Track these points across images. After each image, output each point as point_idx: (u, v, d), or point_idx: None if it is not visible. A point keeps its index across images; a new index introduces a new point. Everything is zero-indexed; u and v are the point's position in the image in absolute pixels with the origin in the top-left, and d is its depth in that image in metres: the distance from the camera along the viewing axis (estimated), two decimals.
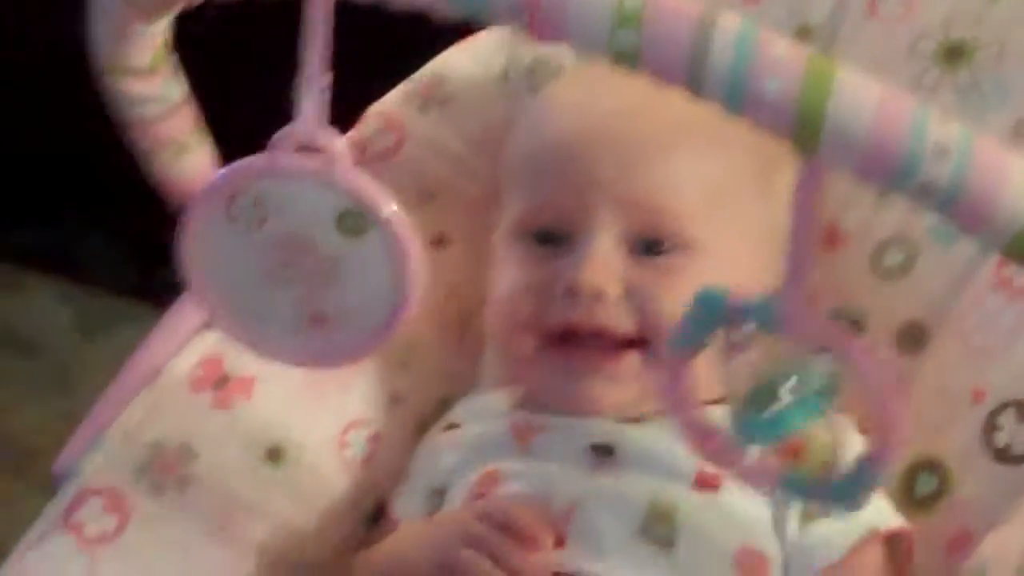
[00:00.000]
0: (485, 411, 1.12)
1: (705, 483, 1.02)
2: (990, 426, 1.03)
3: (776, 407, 0.79)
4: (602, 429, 1.05)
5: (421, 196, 1.18)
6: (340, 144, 0.88)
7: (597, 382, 1.05)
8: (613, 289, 1.04)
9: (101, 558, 1.03)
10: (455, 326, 1.19)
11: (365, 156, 1.19)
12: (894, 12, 1.16)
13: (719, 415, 0.83)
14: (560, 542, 1.00)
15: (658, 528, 1.00)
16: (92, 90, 0.98)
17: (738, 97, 0.69)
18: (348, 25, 0.85)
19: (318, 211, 0.90)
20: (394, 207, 0.89)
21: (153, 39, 0.94)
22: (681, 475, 1.02)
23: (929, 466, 1.05)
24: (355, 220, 0.90)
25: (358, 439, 1.13)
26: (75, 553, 1.03)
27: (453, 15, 0.75)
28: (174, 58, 0.97)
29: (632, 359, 1.05)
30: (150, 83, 0.97)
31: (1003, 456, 1.02)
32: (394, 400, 1.16)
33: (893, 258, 1.13)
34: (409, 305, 0.92)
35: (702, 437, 0.84)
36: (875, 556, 1.02)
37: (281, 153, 0.88)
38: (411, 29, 1.00)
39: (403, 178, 1.16)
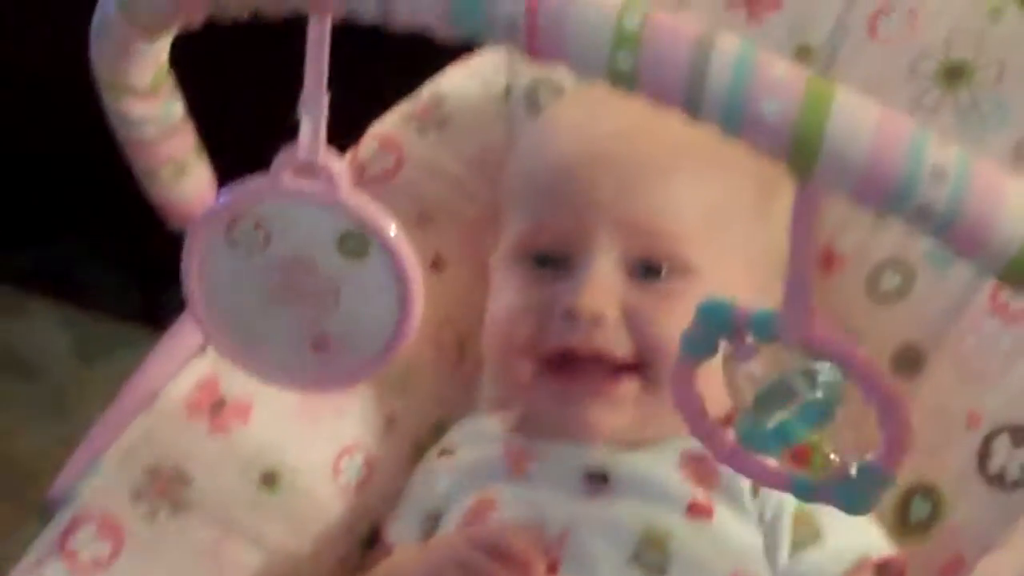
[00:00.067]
0: (480, 436, 1.11)
1: (698, 511, 1.01)
2: (985, 451, 1.03)
3: (780, 417, 0.79)
4: (597, 456, 1.05)
5: (419, 218, 1.18)
6: (340, 166, 0.88)
7: (594, 407, 1.05)
8: (612, 313, 1.03)
9: None
10: (451, 350, 1.19)
11: (363, 178, 1.18)
12: (894, 33, 1.16)
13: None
14: (553, 568, 1.00)
15: (651, 555, 1.00)
16: (94, 112, 0.98)
17: (736, 119, 0.69)
18: (348, 46, 0.85)
19: (319, 233, 0.90)
20: (395, 228, 0.89)
21: (155, 58, 0.94)
22: (675, 502, 1.02)
23: (923, 491, 1.05)
24: (356, 242, 0.90)
25: (353, 463, 1.12)
26: None
27: (452, 36, 0.75)
28: (173, 78, 0.97)
29: (630, 384, 1.05)
30: (150, 103, 0.97)
31: (997, 482, 1.01)
32: (389, 424, 1.15)
33: (889, 281, 1.12)
34: (411, 326, 0.92)
35: (712, 440, 0.84)
36: None
37: (282, 175, 0.88)
38: (410, 49, 1.00)
39: (401, 200, 1.16)
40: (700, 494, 1.01)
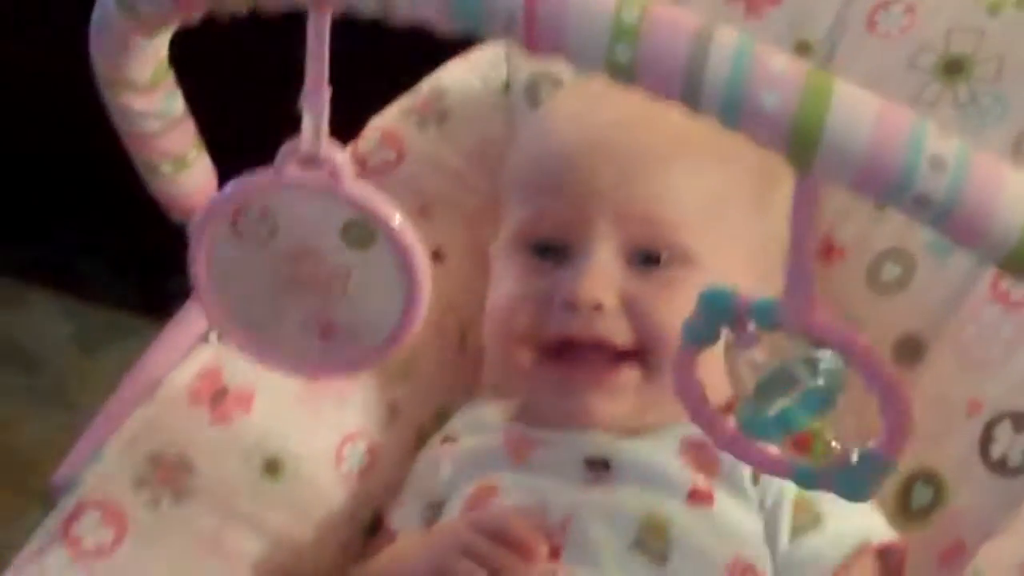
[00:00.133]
0: (482, 424, 1.12)
1: (699, 497, 1.02)
2: (986, 437, 1.03)
3: (782, 404, 0.80)
4: (598, 443, 1.05)
5: (420, 212, 1.18)
6: (343, 156, 0.89)
7: (594, 396, 1.06)
8: (611, 301, 1.04)
9: (98, 571, 1.03)
10: (453, 340, 1.19)
11: (364, 171, 1.19)
12: (893, 27, 1.17)
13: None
14: (555, 553, 1.00)
15: (652, 541, 1.01)
16: (93, 105, 0.98)
17: (735, 111, 0.69)
18: (348, 40, 0.86)
19: (324, 223, 0.90)
20: (400, 217, 0.90)
21: (154, 54, 0.94)
22: (675, 489, 1.02)
23: (925, 477, 1.05)
24: (361, 231, 0.90)
25: (356, 451, 1.13)
26: (72, 567, 1.03)
27: (451, 30, 0.75)
28: (173, 72, 0.98)
29: (630, 372, 1.05)
30: (150, 98, 0.97)
31: (998, 467, 1.02)
32: (392, 413, 1.16)
33: (890, 271, 1.13)
34: (418, 313, 0.92)
35: (713, 427, 0.85)
36: (867, 569, 1.02)
37: (286, 167, 0.89)
38: (411, 43, 1.00)
39: (402, 193, 1.16)
40: (701, 480, 1.02)
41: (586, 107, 1.10)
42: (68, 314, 2.03)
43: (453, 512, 1.07)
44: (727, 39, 0.69)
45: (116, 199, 1.49)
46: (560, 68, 1.21)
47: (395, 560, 1.06)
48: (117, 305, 2.01)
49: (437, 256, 1.18)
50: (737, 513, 1.01)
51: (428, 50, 1.11)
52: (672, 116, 0.75)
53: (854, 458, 0.80)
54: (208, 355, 1.10)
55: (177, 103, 0.99)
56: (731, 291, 0.79)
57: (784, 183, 0.88)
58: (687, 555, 1.00)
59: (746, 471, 1.02)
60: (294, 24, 0.84)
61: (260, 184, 0.90)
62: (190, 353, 1.10)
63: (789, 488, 1.01)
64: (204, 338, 1.10)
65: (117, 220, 1.84)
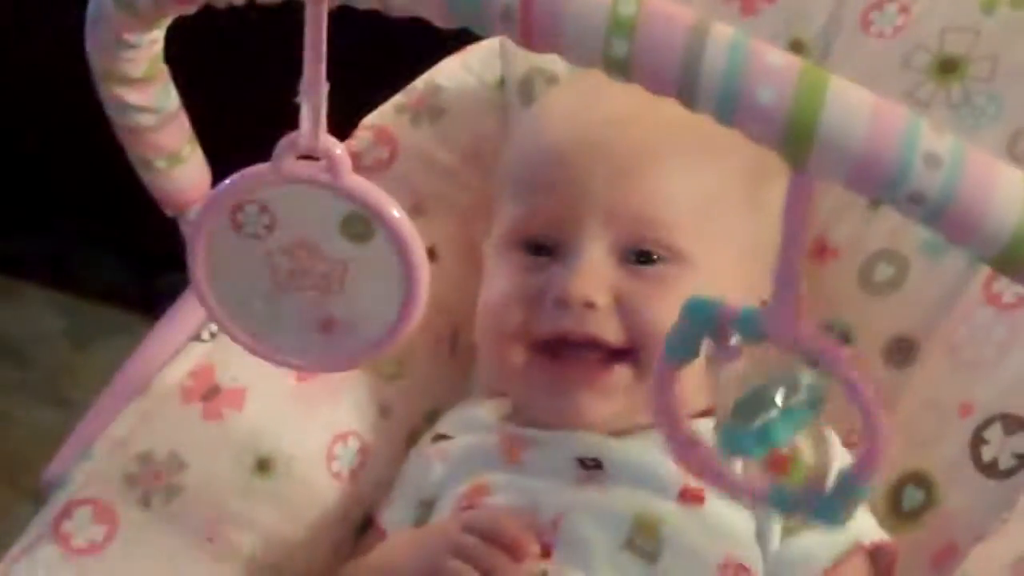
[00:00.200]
0: (474, 423, 1.12)
1: (690, 496, 1.02)
2: (977, 440, 1.03)
3: (764, 419, 0.79)
4: (590, 442, 1.05)
5: (413, 209, 1.18)
6: (341, 150, 0.89)
7: (587, 396, 1.05)
8: (603, 298, 1.04)
9: (89, 568, 1.03)
10: (445, 339, 1.19)
11: (358, 169, 1.17)
12: (887, 26, 1.16)
13: (705, 428, 0.83)
14: (547, 553, 1.00)
15: (643, 541, 1.00)
16: (88, 98, 0.98)
17: (730, 106, 0.69)
18: (344, 36, 0.86)
19: (323, 217, 0.91)
20: (398, 210, 0.90)
21: (149, 48, 0.94)
22: (667, 488, 1.02)
23: (916, 480, 1.05)
24: (359, 225, 0.90)
25: (347, 451, 1.13)
26: (62, 563, 1.03)
27: (448, 23, 0.75)
28: (168, 66, 0.97)
29: (622, 372, 1.05)
30: (145, 92, 0.97)
31: (990, 470, 1.02)
32: (383, 412, 1.16)
33: (883, 272, 1.13)
34: (417, 305, 0.92)
35: (687, 451, 0.84)
36: (858, 569, 1.02)
37: (284, 161, 0.88)
38: (406, 40, 1.00)
39: (395, 191, 1.14)
40: (692, 480, 1.01)
41: (579, 105, 1.10)
42: (60, 309, 2.03)
43: (444, 511, 1.07)
44: (723, 33, 0.69)
45: (111, 194, 1.49)
46: (554, 65, 1.21)
47: (385, 558, 1.06)
48: (111, 301, 2.01)
49: (430, 255, 1.17)
50: (728, 513, 1.01)
51: (422, 47, 1.11)
52: (665, 113, 0.75)
53: (830, 481, 0.79)
54: (200, 353, 1.10)
55: (172, 98, 0.99)
56: (715, 301, 0.79)
57: (776, 181, 0.88)
58: (678, 554, 1.00)
59: (738, 469, 1.01)
60: (291, 17, 0.84)
61: (259, 178, 0.90)
62: (182, 350, 1.10)
63: None
64: (196, 335, 1.10)
65: (111, 214, 1.84)
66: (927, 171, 0.68)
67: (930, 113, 1.12)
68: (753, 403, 0.79)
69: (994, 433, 1.02)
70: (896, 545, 1.03)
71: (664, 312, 0.98)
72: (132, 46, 0.93)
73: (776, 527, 1.01)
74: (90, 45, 0.94)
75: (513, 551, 0.98)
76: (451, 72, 1.23)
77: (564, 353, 1.05)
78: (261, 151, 0.90)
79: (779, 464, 0.81)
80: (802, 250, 0.76)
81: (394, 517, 1.10)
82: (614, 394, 1.05)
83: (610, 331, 1.04)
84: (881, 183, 0.68)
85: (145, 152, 1.01)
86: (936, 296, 1.10)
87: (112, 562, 1.03)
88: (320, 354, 0.95)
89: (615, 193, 1.05)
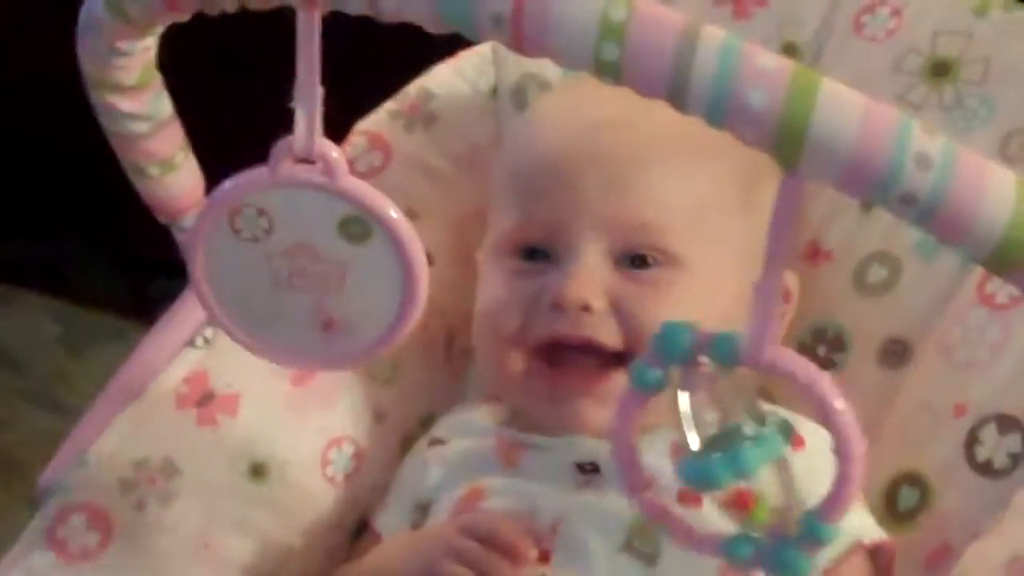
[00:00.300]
0: (471, 427, 1.12)
1: (688, 499, 1.01)
2: (972, 440, 1.03)
3: (735, 445, 0.78)
4: (587, 447, 1.05)
5: (406, 215, 1.17)
6: (337, 153, 0.89)
7: (585, 404, 1.05)
8: (599, 302, 1.04)
9: (83, 574, 1.03)
10: (440, 344, 1.19)
11: (352, 174, 1.18)
12: (880, 30, 1.17)
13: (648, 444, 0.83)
14: (545, 557, 1.00)
15: (642, 544, 1.00)
16: (83, 104, 0.98)
17: (721, 109, 0.69)
18: (336, 43, 0.86)
19: (321, 220, 0.91)
20: (395, 211, 0.90)
21: (142, 55, 0.94)
22: (664, 492, 1.02)
23: (911, 480, 1.05)
24: (357, 226, 0.90)
25: (342, 456, 1.13)
26: (58, 569, 1.03)
27: (438, 29, 0.75)
28: (161, 73, 0.97)
29: (619, 379, 1.05)
30: (138, 100, 0.97)
31: (984, 470, 1.02)
32: (378, 417, 1.16)
33: (876, 274, 1.13)
34: (416, 305, 0.92)
35: (644, 495, 0.83)
36: (857, 568, 1.02)
37: (281, 164, 0.89)
38: (399, 45, 1.00)
39: (389, 196, 1.16)
40: None
41: (572, 110, 1.10)
42: (56, 315, 2.03)
43: (440, 515, 1.06)
44: (714, 37, 0.69)
45: (106, 200, 1.49)
46: (547, 71, 1.22)
47: (381, 562, 1.06)
48: (105, 307, 2.01)
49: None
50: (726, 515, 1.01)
51: (415, 53, 1.11)
52: (657, 117, 0.75)
53: (795, 521, 0.78)
54: (195, 359, 1.10)
55: (165, 105, 0.99)
56: (689, 326, 0.77)
57: (770, 184, 0.87)
58: (677, 557, 1.00)
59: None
60: (284, 23, 0.84)
61: (256, 182, 0.90)
62: (177, 356, 1.10)
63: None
64: (191, 342, 1.10)
65: (106, 220, 1.84)
66: (918, 172, 0.68)
67: (922, 116, 1.12)
68: (724, 429, 0.78)
69: (988, 433, 1.02)
70: (894, 544, 1.03)
71: (660, 315, 0.97)
72: (125, 54, 0.93)
73: None
74: (82, 53, 0.94)
75: (511, 555, 0.98)
76: (444, 78, 1.23)
77: (562, 359, 1.05)
78: (255, 157, 0.90)
79: (742, 502, 0.80)
80: (782, 271, 0.75)
81: (390, 521, 1.10)
82: (612, 401, 1.05)
83: (606, 334, 1.04)
84: (873, 184, 0.68)
85: (138, 159, 1.01)
86: (930, 297, 1.10)
87: (107, 568, 1.04)
88: (320, 354, 0.95)
89: (609, 198, 1.05)
